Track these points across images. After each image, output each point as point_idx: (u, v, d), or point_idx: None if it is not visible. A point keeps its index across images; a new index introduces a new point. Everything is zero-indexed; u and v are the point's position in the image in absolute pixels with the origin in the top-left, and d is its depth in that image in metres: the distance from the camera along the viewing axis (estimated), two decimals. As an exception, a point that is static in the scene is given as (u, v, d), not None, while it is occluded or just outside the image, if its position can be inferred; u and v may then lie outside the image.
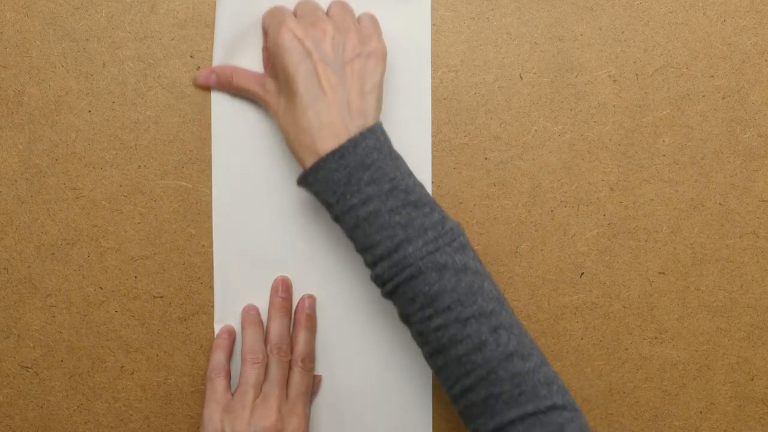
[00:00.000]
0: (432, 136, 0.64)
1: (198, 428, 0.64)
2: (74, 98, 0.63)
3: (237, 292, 0.64)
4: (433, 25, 0.63)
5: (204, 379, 0.64)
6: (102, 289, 0.64)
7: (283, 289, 0.63)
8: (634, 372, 0.65)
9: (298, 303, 0.63)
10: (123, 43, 0.63)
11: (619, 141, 0.64)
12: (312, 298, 0.63)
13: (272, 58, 0.57)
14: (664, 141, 0.64)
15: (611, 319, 0.65)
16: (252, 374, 0.60)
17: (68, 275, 0.64)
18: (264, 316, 0.63)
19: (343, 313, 0.64)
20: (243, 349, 0.61)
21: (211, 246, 0.63)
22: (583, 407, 0.65)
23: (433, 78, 0.63)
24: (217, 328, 0.64)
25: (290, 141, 0.57)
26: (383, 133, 0.56)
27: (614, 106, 0.64)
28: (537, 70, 0.64)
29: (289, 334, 0.62)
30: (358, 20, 0.59)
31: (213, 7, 0.62)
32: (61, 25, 0.62)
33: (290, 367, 0.61)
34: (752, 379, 0.65)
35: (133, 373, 0.64)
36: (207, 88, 0.63)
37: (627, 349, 0.65)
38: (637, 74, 0.64)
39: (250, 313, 0.63)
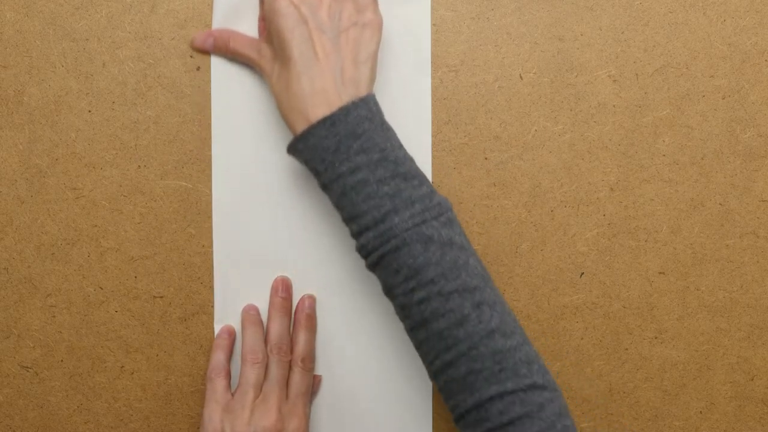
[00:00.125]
0: (432, 136, 0.64)
1: (198, 428, 0.64)
2: (74, 98, 0.63)
3: (237, 292, 0.64)
4: (433, 25, 0.63)
5: (204, 379, 0.64)
6: (102, 289, 0.64)
7: (283, 289, 0.63)
8: (634, 372, 0.65)
9: (298, 303, 0.63)
10: (123, 43, 0.63)
11: (619, 141, 0.64)
12: (312, 298, 0.63)
13: (268, 24, 0.57)
14: (664, 141, 0.64)
15: (611, 319, 0.65)
16: (252, 374, 0.60)
17: (68, 275, 0.64)
18: (264, 316, 0.63)
19: (343, 313, 0.64)
20: (243, 349, 0.61)
21: (211, 246, 0.63)
22: (583, 407, 0.65)
23: (433, 78, 0.63)
24: (217, 328, 0.64)
25: (282, 106, 0.57)
26: (376, 104, 0.56)
27: (614, 106, 0.64)
28: (537, 70, 0.64)
29: (289, 334, 0.62)
30: None
31: (213, 7, 0.62)
32: (61, 25, 0.62)
33: (290, 367, 0.61)
34: (752, 379, 0.65)
35: (133, 373, 0.64)
36: (205, 52, 0.62)
37: (627, 349, 0.65)
38: (637, 74, 0.64)
39: (250, 313, 0.63)
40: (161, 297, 0.64)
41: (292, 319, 0.63)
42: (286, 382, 0.61)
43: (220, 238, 0.63)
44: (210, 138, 0.63)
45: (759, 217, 0.64)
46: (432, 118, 0.63)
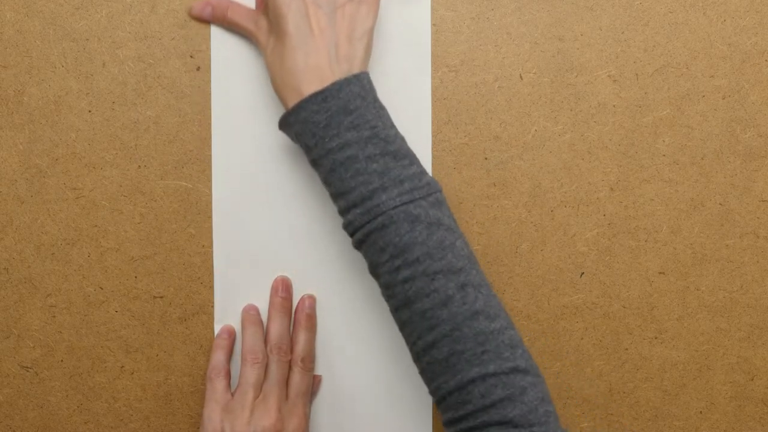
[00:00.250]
0: (432, 136, 0.64)
1: (198, 428, 0.64)
2: (74, 98, 0.63)
3: (237, 292, 0.64)
4: (433, 25, 0.63)
5: (204, 379, 0.64)
6: (102, 289, 0.64)
7: (283, 289, 0.63)
8: (634, 372, 0.65)
9: (298, 303, 0.63)
10: (123, 43, 0.63)
11: (619, 141, 0.64)
12: (312, 298, 0.63)
13: None
14: (664, 141, 0.64)
15: (611, 319, 0.65)
16: (252, 374, 0.60)
17: (68, 275, 0.64)
18: (264, 316, 0.63)
19: (343, 313, 0.64)
20: (243, 349, 0.61)
21: (211, 246, 0.63)
22: (583, 407, 0.65)
23: (433, 78, 0.63)
24: (217, 328, 0.64)
25: (275, 80, 0.57)
26: (369, 82, 0.56)
27: (614, 106, 0.64)
28: (537, 70, 0.64)
29: (289, 334, 0.62)
30: None
31: (213, 7, 0.63)
32: (61, 25, 0.62)
33: (290, 367, 0.61)
34: (752, 379, 0.65)
35: (133, 373, 0.64)
36: (203, 21, 0.62)
37: (627, 349, 0.65)
38: (637, 74, 0.64)
39: (250, 313, 0.63)
40: (161, 297, 0.64)
41: (292, 319, 0.63)
42: (286, 382, 0.61)
43: (220, 238, 0.63)
44: (210, 138, 0.63)
45: (759, 217, 0.64)
46: (432, 118, 0.63)
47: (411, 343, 0.54)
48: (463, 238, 0.55)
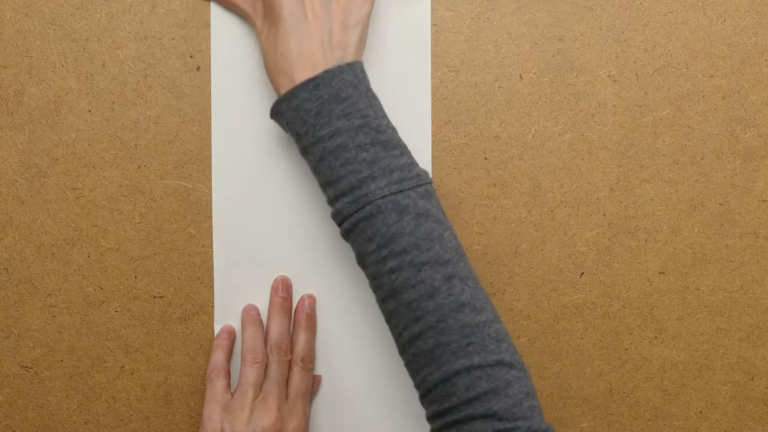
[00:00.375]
0: (432, 136, 0.64)
1: (198, 428, 0.64)
2: (74, 98, 0.63)
3: (237, 292, 0.64)
4: (433, 25, 0.63)
5: (204, 379, 0.64)
6: (102, 289, 0.64)
7: (283, 288, 0.63)
8: (634, 372, 0.65)
9: (298, 303, 0.63)
10: (123, 43, 0.63)
11: (619, 141, 0.64)
12: (312, 298, 0.63)
13: None
14: (664, 141, 0.64)
15: (611, 319, 0.65)
16: (252, 374, 0.60)
17: (68, 275, 0.64)
18: (264, 316, 0.63)
19: (343, 313, 0.64)
20: (243, 349, 0.61)
21: (211, 246, 0.63)
22: (583, 407, 0.65)
23: (433, 78, 0.63)
24: (217, 328, 0.64)
25: (268, 65, 0.57)
26: (363, 71, 0.56)
27: (614, 106, 0.64)
28: (537, 70, 0.64)
29: (289, 334, 0.62)
30: None
31: (213, 7, 0.62)
32: (61, 25, 0.62)
33: (290, 367, 0.61)
34: (752, 379, 0.65)
35: (133, 373, 0.64)
36: None
37: (627, 349, 0.65)
38: (637, 74, 0.64)
39: (250, 313, 0.63)
40: (161, 297, 0.64)
41: (292, 319, 0.63)
42: (286, 382, 0.61)
43: (220, 238, 0.63)
44: (210, 138, 0.63)
45: (759, 217, 0.64)
46: (432, 118, 0.63)
47: (397, 335, 0.54)
48: (452, 230, 0.55)
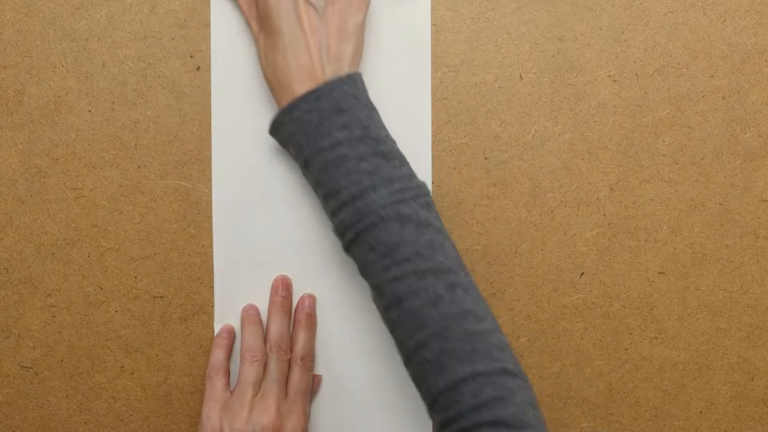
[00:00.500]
0: (432, 136, 0.64)
1: (197, 427, 0.64)
2: (74, 98, 0.63)
3: (237, 292, 0.64)
4: (433, 25, 0.63)
5: (204, 378, 0.64)
6: (102, 289, 0.64)
7: (283, 288, 0.63)
8: (634, 372, 0.65)
9: (298, 302, 0.63)
10: (123, 43, 0.63)
11: (619, 141, 0.64)
12: (312, 298, 0.63)
13: None
14: (664, 141, 0.64)
15: (611, 319, 0.65)
16: (251, 372, 0.60)
17: (68, 275, 0.64)
18: (264, 316, 0.63)
19: (343, 313, 0.64)
20: (242, 348, 0.61)
21: (211, 246, 0.63)
22: (583, 407, 0.65)
23: (433, 78, 0.63)
24: (217, 328, 0.64)
25: (267, 76, 0.57)
26: (362, 82, 0.56)
27: (614, 106, 0.64)
28: (537, 70, 0.64)
29: (289, 333, 0.62)
30: None
31: (213, 7, 0.62)
32: (61, 25, 0.62)
33: (290, 367, 0.61)
34: (752, 379, 0.65)
35: (133, 373, 0.64)
36: None
37: (627, 349, 0.65)
38: (637, 74, 0.64)
39: (249, 313, 0.63)
40: (161, 297, 0.64)
41: (292, 319, 0.63)
42: (286, 381, 0.61)
43: (220, 238, 0.63)
44: (210, 138, 0.63)
45: (759, 217, 0.64)
46: (432, 118, 0.63)
47: (401, 344, 0.54)
48: (452, 242, 0.55)
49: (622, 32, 0.64)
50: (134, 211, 0.63)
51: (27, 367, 0.64)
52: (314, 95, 0.54)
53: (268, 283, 0.63)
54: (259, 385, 0.60)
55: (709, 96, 0.64)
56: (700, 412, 0.65)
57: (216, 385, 0.60)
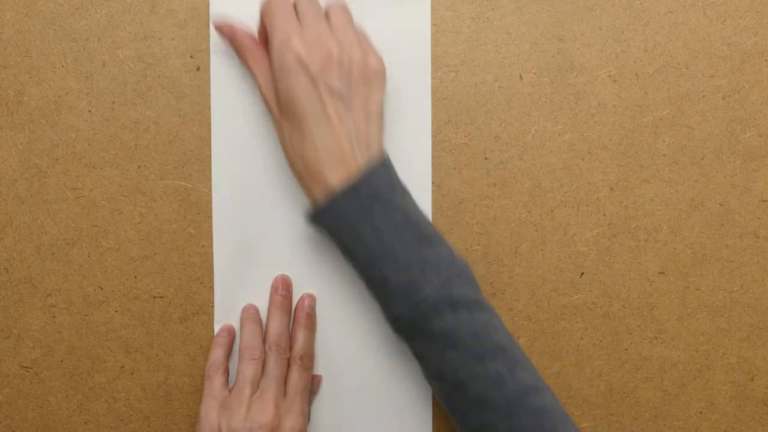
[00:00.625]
0: (432, 136, 0.64)
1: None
2: (74, 98, 0.63)
3: (237, 292, 0.64)
4: (433, 25, 0.63)
5: (204, 378, 0.64)
6: (102, 289, 0.64)
7: (283, 287, 0.63)
8: (634, 372, 0.65)
9: (298, 302, 0.63)
10: (123, 43, 0.63)
11: (619, 141, 0.64)
12: (312, 297, 0.63)
13: (275, 74, 0.56)
14: (664, 141, 0.64)
15: (611, 319, 0.65)
16: (249, 370, 0.60)
17: (68, 275, 0.64)
18: (263, 316, 0.63)
19: (343, 313, 0.64)
20: (240, 346, 0.61)
21: (211, 246, 0.63)
22: (583, 407, 0.65)
23: (433, 78, 0.63)
24: (217, 327, 0.64)
25: (295, 167, 0.56)
26: (391, 164, 0.56)
27: (614, 106, 0.64)
28: (537, 70, 0.64)
29: (289, 332, 0.62)
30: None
31: (213, 7, 0.62)
32: (61, 25, 0.62)
33: (289, 366, 0.61)
34: (752, 379, 0.65)
35: (133, 373, 0.64)
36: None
37: (627, 349, 0.65)
38: (637, 74, 0.64)
39: (249, 312, 0.63)
40: (161, 297, 0.64)
41: (292, 318, 0.63)
42: (285, 380, 0.61)
43: (220, 238, 0.63)
44: (210, 138, 0.63)
45: (759, 217, 0.64)
46: (432, 118, 0.63)
47: (462, 423, 0.54)
48: (495, 312, 0.56)
49: (622, 32, 0.64)
50: (134, 211, 0.63)
51: (27, 367, 0.64)
52: (353, 188, 0.53)
53: (268, 282, 0.63)
54: (257, 384, 0.60)
55: (709, 96, 0.64)
56: (700, 412, 0.65)
57: (214, 383, 0.60)
